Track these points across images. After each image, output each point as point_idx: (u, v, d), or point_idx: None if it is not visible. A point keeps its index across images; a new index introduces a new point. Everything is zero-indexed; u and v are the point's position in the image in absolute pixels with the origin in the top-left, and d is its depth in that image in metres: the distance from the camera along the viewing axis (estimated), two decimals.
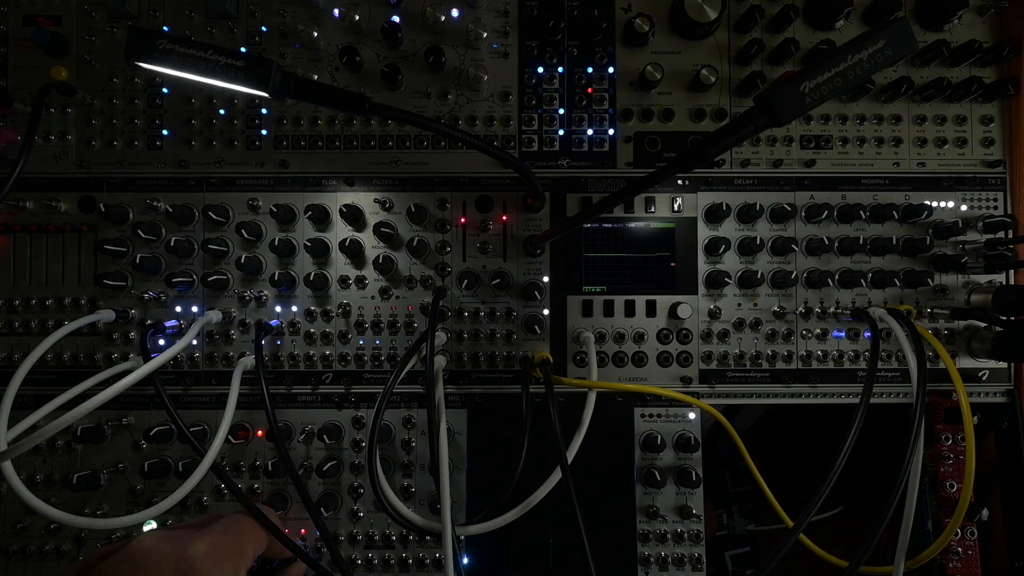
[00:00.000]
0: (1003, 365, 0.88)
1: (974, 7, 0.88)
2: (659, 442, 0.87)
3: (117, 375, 0.76)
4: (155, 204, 0.87)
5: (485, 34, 0.86)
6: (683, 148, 0.90)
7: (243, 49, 0.89)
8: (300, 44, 0.89)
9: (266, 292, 0.88)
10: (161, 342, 0.87)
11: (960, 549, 0.87)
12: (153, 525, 0.85)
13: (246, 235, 0.85)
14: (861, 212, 0.86)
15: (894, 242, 0.86)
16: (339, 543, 0.86)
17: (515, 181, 0.89)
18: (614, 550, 0.86)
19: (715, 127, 0.89)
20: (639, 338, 0.89)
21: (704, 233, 0.89)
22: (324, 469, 0.84)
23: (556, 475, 0.75)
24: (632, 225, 0.89)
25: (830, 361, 0.88)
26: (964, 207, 0.89)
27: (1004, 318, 0.83)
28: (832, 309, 0.88)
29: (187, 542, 0.66)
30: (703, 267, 0.89)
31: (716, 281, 0.87)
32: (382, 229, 0.85)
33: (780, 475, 0.84)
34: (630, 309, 0.89)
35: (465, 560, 0.86)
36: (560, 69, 0.90)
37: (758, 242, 0.86)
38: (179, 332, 0.86)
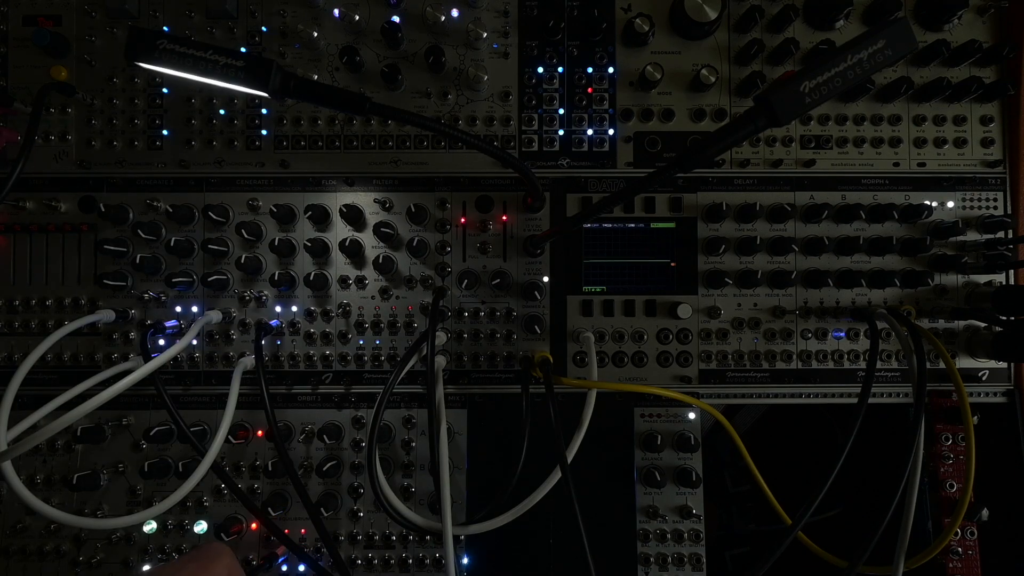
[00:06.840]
0: (1003, 365, 0.88)
1: (974, 7, 0.89)
2: (659, 442, 0.87)
3: (117, 375, 0.76)
4: (155, 204, 0.87)
5: (485, 34, 0.86)
6: (683, 148, 0.90)
7: (243, 49, 0.89)
8: (300, 44, 0.89)
9: (266, 292, 0.88)
10: (161, 342, 0.87)
11: (960, 549, 0.87)
12: (153, 525, 0.86)
13: (246, 235, 0.85)
14: (860, 212, 0.86)
15: (893, 242, 0.86)
16: (339, 543, 0.86)
17: (515, 181, 0.89)
18: (614, 549, 0.86)
19: (715, 127, 0.89)
20: (639, 338, 0.89)
21: (703, 233, 0.89)
22: (324, 469, 0.84)
23: (556, 475, 0.75)
24: (632, 225, 0.89)
25: (830, 361, 0.88)
26: (964, 207, 0.89)
27: (1004, 318, 0.83)
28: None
29: None
30: (702, 267, 0.89)
31: (715, 281, 0.87)
32: (382, 229, 0.85)
33: (780, 475, 0.84)
34: (629, 309, 0.89)
35: (465, 560, 0.86)
36: (560, 69, 0.90)
37: (757, 242, 0.86)
38: (179, 332, 0.86)
